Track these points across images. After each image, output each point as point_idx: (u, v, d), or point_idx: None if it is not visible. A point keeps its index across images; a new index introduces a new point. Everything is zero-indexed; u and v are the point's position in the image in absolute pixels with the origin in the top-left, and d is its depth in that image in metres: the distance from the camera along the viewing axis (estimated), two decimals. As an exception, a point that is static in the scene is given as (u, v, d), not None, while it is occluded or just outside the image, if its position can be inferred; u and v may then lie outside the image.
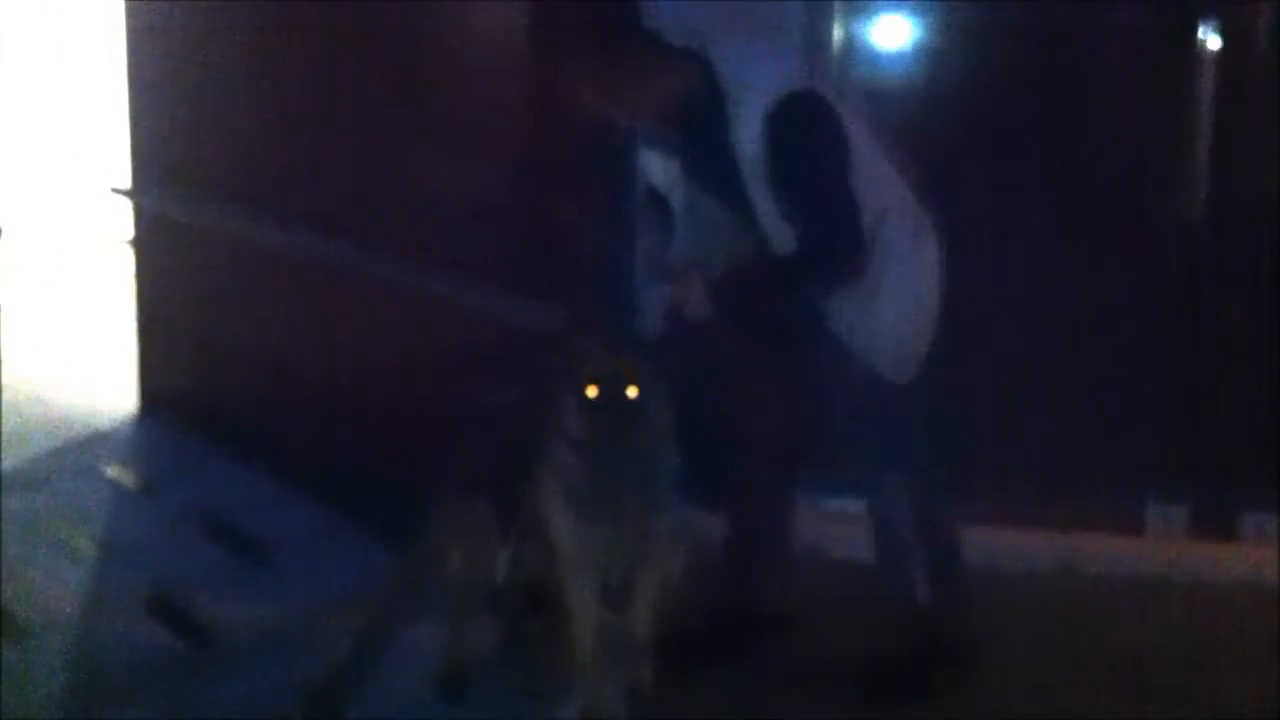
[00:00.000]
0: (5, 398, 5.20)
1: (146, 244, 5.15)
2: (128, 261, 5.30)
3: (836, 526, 3.35)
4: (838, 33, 3.80)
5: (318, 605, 3.52)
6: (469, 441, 3.00)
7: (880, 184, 2.82)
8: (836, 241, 2.75)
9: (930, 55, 3.85)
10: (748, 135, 2.70)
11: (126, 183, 5.11)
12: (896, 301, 2.84)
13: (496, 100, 3.50)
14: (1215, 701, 3.08)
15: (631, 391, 2.70)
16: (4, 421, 4.89)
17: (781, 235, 2.76)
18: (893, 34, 3.85)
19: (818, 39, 3.76)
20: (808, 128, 2.72)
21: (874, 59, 3.87)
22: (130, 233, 5.29)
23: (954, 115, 3.77)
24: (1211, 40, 3.66)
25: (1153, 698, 3.10)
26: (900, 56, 3.86)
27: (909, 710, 2.97)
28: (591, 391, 2.69)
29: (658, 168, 2.90)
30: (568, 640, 2.87)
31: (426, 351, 3.73)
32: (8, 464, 4.56)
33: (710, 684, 3.04)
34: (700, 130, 2.76)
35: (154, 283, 5.09)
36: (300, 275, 4.22)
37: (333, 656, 3.11)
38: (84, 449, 4.79)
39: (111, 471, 4.57)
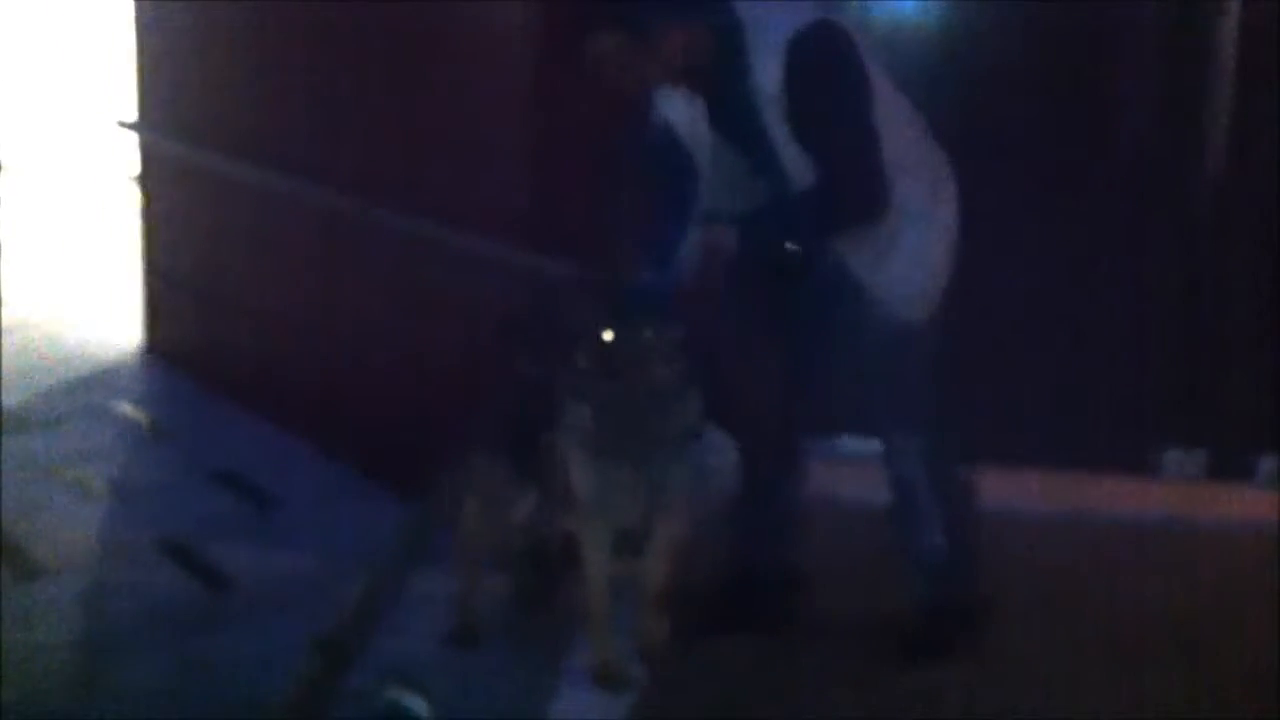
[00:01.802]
0: (16, 336, 5.19)
1: (153, 180, 5.10)
2: (135, 198, 5.26)
3: (851, 479, 3.32)
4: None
5: (329, 555, 3.52)
6: (487, 393, 2.96)
7: (900, 131, 2.78)
8: (857, 173, 2.71)
9: (948, 9, 3.80)
10: (769, 76, 2.66)
11: (132, 117, 5.06)
12: (914, 250, 2.81)
13: (513, 55, 3.44)
14: (1231, 645, 3.07)
15: (647, 336, 2.68)
16: (14, 360, 4.88)
17: (803, 176, 2.73)
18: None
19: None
20: (829, 55, 2.68)
21: (893, 9, 3.81)
22: (136, 168, 5.25)
23: (971, 70, 3.72)
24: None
25: (1167, 642, 3.09)
26: (918, 9, 3.81)
27: (925, 664, 2.96)
28: (607, 336, 2.67)
29: (678, 113, 2.86)
30: (580, 593, 2.86)
31: (441, 303, 3.69)
32: (18, 402, 4.56)
33: (721, 642, 3.01)
34: (721, 75, 2.72)
35: (160, 222, 5.05)
36: (310, 221, 4.16)
37: (343, 607, 3.10)
38: (94, 388, 4.79)
39: (122, 411, 4.57)
